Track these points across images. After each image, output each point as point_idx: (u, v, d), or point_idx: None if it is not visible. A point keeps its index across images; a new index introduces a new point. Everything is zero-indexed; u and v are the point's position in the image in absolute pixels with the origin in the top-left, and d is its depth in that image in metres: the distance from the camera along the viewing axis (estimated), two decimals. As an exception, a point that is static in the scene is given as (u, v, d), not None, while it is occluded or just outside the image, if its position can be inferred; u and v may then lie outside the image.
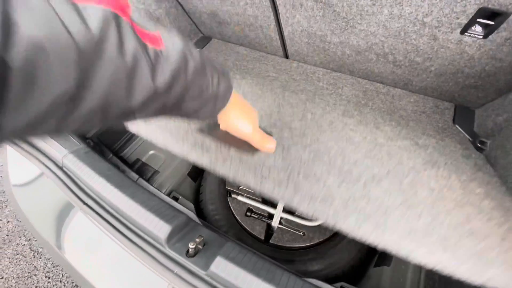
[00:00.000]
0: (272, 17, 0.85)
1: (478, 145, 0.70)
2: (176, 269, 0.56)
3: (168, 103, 0.32)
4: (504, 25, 0.55)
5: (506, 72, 0.64)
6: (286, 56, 1.02)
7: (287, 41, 0.93)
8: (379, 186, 0.54)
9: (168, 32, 0.32)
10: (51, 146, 0.72)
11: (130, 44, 0.26)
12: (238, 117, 0.42)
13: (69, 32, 0.21)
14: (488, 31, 0.57)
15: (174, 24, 1.06)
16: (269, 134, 0.56)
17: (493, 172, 0.62)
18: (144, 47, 0.27)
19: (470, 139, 0.73)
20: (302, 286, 0.53)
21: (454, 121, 0.77)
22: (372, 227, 0.46)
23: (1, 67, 0.16)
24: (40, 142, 0.71)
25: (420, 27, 0.63)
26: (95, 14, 0.23)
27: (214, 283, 0.54)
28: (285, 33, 0.89)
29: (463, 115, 0.79)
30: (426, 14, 0.59)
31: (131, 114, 0.29)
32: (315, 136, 0.64)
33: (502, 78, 0.66)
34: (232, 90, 0.42)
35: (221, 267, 0.54)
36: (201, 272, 0.55)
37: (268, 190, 0.49)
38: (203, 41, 1.15)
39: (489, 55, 0.62)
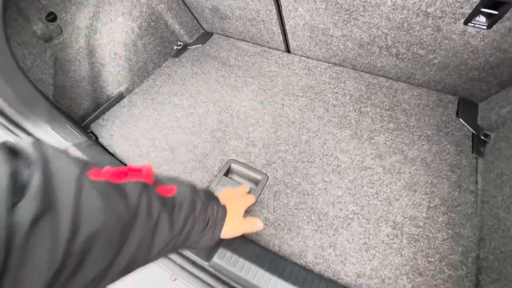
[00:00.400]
0: (274, 10, 0.85)
1: (482, 137, 0.69)
2: (179, 260, 0.55)
3: (177, 243, 0.35)
4: (508, 14, 0.54)
5: (510, 64, 0.64)
6: (288, 51, 1.02)
7: (289, 35, 0.93)
8: (348, 230, 0.60)
9: (180, 182, 0.38)
10: (53, 138, 0.71)
11: (156, 205, 0.30)
12: (229, 231, 0.46)
13: (116, 214, 0.25)
14: (492, 21, 0.57)
15: (176, 19, 1.05)
16: (265, 174, 0.66)
17: (474, 186, 0.63)
18: (164, 203, 0.32)
19: (474, 132, 0.72)
20: (306, 276, 0.53)
21: (457, 115, 0.77)
22: (330, 276, 0.55)
23: (65, 254, 0.21)
24: (42, 136, 0.71)
25: (423, 18, 0.63)
26: (132, 189, 0.28)
27: (217, 273, 0.54)
28: (287, 27, 0.89)
29: (466, 108, 0.78)
30: (430, 4, 0.59)
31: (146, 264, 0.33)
32: (305, 169, 0.71)
33: (505, 70, 0.66)
34: (227, 213, 0.45)
35: (224, 258, 0.54)
36: (204, 263, 0.55)
37: (263, 245, 0.60)
38: (205, 36, 1.15)
39: (493, 46, 0.62)
